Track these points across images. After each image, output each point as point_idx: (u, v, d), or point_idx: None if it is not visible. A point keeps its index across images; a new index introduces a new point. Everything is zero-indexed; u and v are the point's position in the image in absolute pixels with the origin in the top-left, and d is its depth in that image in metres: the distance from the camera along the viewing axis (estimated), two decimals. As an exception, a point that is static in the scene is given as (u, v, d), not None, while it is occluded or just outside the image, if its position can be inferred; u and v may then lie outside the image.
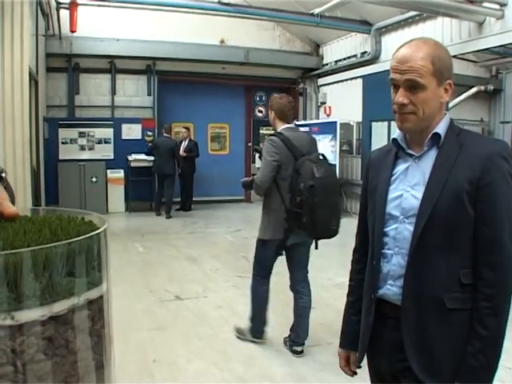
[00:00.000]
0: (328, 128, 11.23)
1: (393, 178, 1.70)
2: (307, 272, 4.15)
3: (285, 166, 3.86)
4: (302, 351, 4.08)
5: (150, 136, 11.73)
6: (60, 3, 9.50)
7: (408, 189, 1.65)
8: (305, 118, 13.53)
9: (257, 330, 4.26)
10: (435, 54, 1.60)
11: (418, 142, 1.67)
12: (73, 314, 0.62)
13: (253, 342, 4.28)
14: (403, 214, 1.63)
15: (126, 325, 4.64)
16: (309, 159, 3.75)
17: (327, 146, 11.23)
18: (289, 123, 4.09)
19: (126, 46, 11.37)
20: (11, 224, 0.71)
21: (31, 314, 0.58)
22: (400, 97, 1.59)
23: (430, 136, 1.64)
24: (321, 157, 3.82)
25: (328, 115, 12.80)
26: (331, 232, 3.74)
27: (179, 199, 11.82)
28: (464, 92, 13.90)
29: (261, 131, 14.27)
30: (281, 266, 4.16)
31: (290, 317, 4.23)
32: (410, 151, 1.69)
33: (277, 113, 4.04)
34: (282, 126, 4.02)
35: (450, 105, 9.40)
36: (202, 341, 4.38)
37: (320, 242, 3.88)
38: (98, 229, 0.69)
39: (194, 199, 12.11)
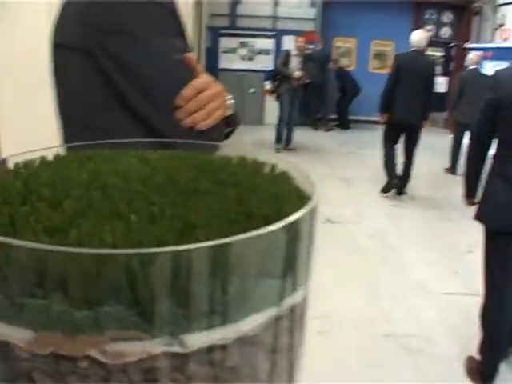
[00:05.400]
0: (505, 54, 10.01)
1: None
2: None
3: None
4: None
5: (309, 49, 11.30)
6: None
7: None
8: (477, 41, 12.20)
9: None
10: None
11: None
12: (266, 332, 0.38)
13: None
14: None
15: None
16: None
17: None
18: None
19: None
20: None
21: (208, 337, 0.34)
22: None
23: None
24: None
25: (505, 40, 11.41)
26: None
27: (336, 116, 11.47)
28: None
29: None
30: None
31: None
32: None
33: None
34: None
35: None
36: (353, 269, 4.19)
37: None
38: (302, 192, 0.44)
39: (351, 118, 11.68)
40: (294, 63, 8.53)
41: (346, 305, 3.61)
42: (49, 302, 0.32)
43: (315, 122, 11.09)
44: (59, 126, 1.23)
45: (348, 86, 11.17)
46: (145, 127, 1.11)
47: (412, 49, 6.22)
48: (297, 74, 8.40)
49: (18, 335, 0.34)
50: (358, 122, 11.74)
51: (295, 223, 0.37)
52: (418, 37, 6.23)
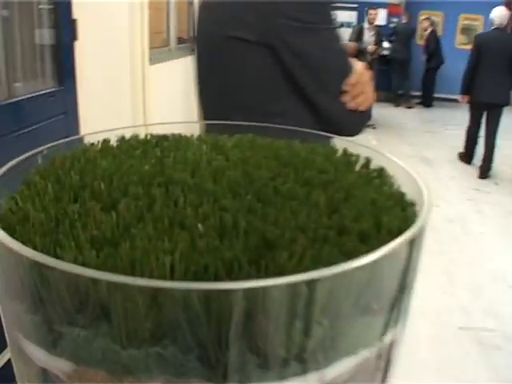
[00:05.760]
0: None
1: None
2: None
3: None
4: None
5: (394, 23, 10.93)
6: None
7: None
8: None
9: None
10: None
11: None
12: (355, 375, 0.31)
13: None
14: None
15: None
16: None
17: None
18: None
19: None
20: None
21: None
22: None
23: None
24: None
25: None
26: None
27: (419, 93, 11.06)
28: None
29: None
30: None
31: None
32: None
33: None
34: None
35: None
36: (430, 255, 4.03)
37: None
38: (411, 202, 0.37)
39: (435, 95, 11.21)
40: (367, 37, 8.29)
41: (420, 292, 3.45)
42: (90, 333, 0.26)
43: (397, 98, 10.74)
44: (202, 110, 1.35)
45: (435, 53, 10.67)
46: (312, 110, 1.22)
47: (493, 27, 5.92)
48: (370, 47, 8.17)
49: (57, 365, 0.29)
50: (441, 99, 11.25)
51: (405, 245, 0.29)
52: (500, 13, 5.92)
